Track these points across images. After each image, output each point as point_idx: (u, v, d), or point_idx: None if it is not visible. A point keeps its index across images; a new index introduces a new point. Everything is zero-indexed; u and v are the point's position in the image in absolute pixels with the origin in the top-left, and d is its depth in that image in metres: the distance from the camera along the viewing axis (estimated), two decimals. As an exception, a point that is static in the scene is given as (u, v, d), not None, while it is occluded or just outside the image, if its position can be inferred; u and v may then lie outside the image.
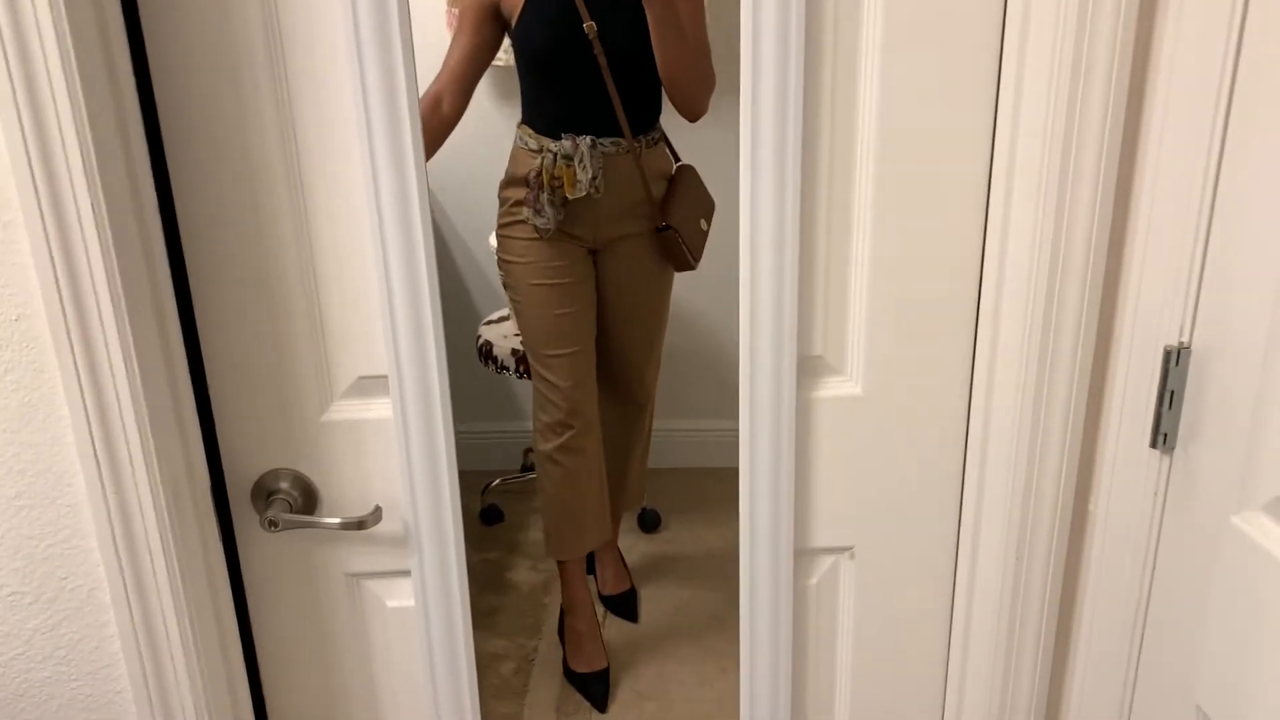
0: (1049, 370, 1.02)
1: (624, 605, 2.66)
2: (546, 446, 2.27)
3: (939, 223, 1.03)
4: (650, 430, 2.59)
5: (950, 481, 1.13)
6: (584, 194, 2.09)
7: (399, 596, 1.17)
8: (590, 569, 2.69)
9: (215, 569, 1.08)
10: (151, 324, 0.96)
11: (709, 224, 2.33)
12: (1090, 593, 1.07)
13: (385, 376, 1.07)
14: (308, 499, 1.11)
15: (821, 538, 1.16)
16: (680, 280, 2.49)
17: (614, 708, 2.32)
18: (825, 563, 1.18)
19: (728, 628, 2.54)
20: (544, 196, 2.09)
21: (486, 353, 2.73)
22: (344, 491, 1.11)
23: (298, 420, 1.08)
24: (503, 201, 2.21)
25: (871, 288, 1.05)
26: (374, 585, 1.17)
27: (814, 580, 1.18)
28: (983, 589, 1.13)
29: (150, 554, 0.99)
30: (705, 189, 2.33)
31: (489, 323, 2.89)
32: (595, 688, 2.36)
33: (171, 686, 1.04)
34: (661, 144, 2.25)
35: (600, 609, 2.63)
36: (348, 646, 1.18)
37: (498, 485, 3.14)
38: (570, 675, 2.41)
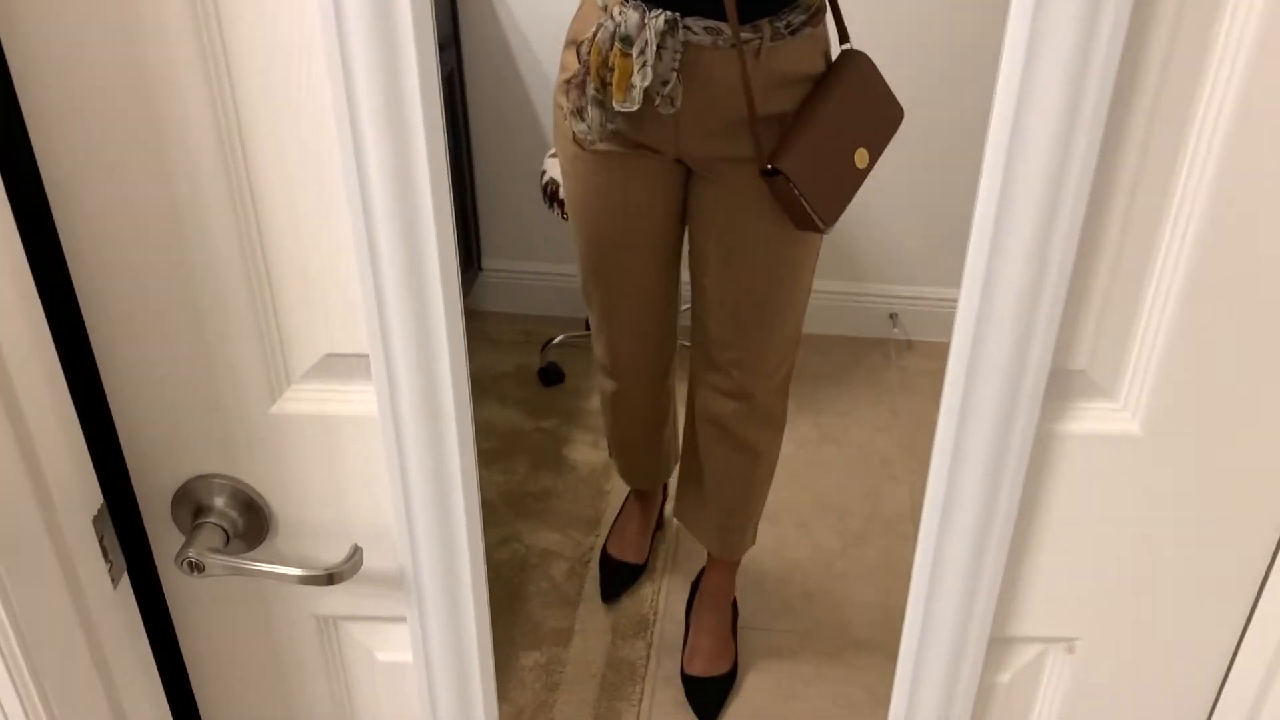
0: None
1: (703, 693, 1.81)
2: (600, 380, 1.84)
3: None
4: (768, 458, 1.72)
5: (1247, 572, 0.72)
6: (634, 108, 1.30)
7: (392, 648, 0.81)
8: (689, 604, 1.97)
9: (114, 630, 0.71)
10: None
11: (876, 155, 1.40)
12: None
13: (366, 355, 0.67)
14: (252, 521, 0.73)
15: (1031, 623, 0.76)
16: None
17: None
18: (1027, 654, 0.78)
19: (792, 543, 2.20)
20: (590, 90, 1.35)
21: (552, 194, 2.30)
22: (304, 511, 0.73)
23: (235, 411, 0.69)
24: (562, 69, 1.47)
25: (1184, 293, 0.61)
26: (357, 631, 0.80)
27: (1006, 676, 0.79)
28: (1276, 730, 0.74)
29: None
30: (886, 91, 1.41)
31: (554, 155, 2.44)
32: (616, 579, 2.01)
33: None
34: (811, 29, 1.34)
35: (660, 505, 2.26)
36: (321, 712, 0.83)
37: (560, 341, 2.77)
38: (601, 558, 2.07)
